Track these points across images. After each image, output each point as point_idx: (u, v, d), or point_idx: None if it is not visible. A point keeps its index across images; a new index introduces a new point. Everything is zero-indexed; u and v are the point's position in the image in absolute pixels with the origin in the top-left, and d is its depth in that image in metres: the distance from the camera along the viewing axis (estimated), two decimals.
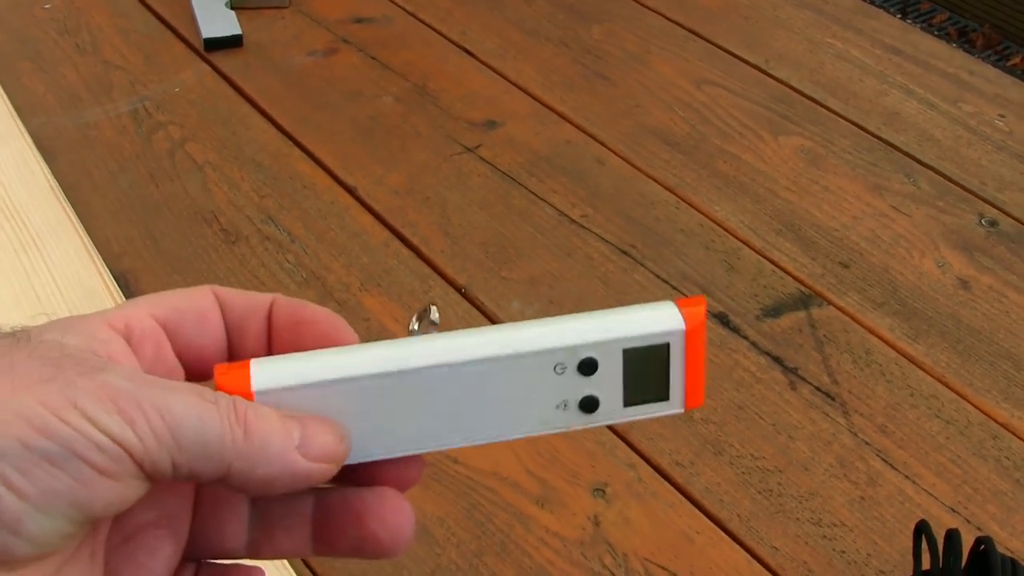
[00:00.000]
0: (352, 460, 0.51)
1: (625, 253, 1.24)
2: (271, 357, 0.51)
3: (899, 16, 3.50)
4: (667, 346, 0.53)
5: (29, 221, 1.25)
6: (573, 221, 1.29)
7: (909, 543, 0.85)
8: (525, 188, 1.34)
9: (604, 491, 1.00)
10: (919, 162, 1.40)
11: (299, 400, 0.49)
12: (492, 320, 1.15)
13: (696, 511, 0.99)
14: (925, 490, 1.01)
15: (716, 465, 1.02)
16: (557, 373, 0.52)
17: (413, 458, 0.53)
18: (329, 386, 0.50)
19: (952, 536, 0.82)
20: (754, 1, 1.74)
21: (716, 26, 1.67)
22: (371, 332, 1.12)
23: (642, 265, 1.23)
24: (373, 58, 1.58)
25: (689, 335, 0.53)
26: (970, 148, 1.43)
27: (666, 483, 1.01)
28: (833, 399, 1.09)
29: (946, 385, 1.11)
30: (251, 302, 0.53)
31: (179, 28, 1.64)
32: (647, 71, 1.57)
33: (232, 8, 1.66)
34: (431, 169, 1.37)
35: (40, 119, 1.44)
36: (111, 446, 0.43)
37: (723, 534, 0.97)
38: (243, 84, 1.52)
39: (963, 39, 3.52)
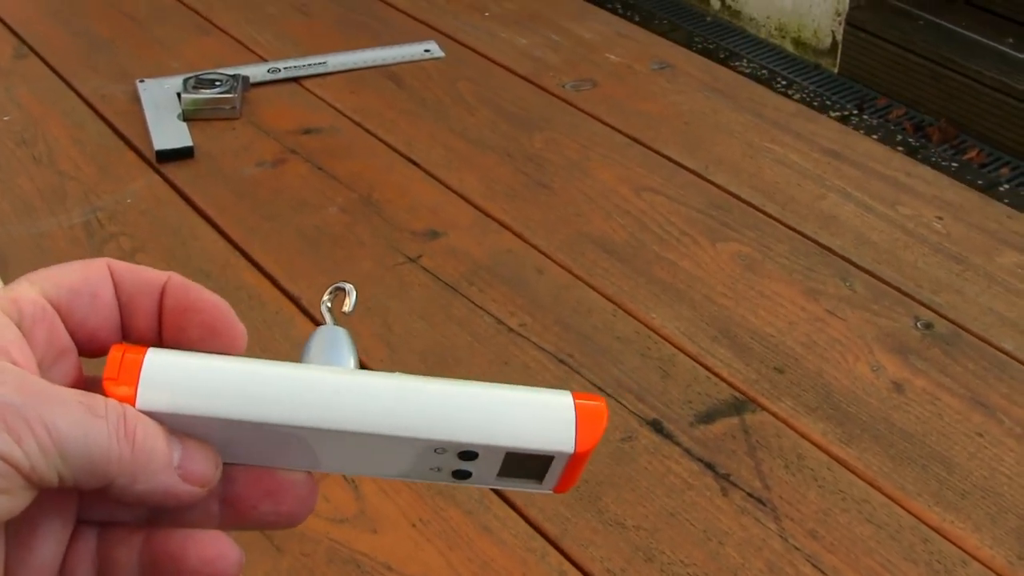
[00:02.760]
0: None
1: (562, 362, 1.26)
2: (163, 361, 0.51)
3: (856, 112, 3.55)
4: (551, 458, 0.52)
5: None
6: (511, 330, 1.31)
7: None
8: (465, 297, 1.35)
9: None
10: (855, 265, 1.43)
11: (180, 423, 0.50)
12: None
13: None
14: None
15: (647, 572, 1.03)
16: (437, 453, 0.52)
17: (288, 486, 0.54)
18: (213, 421, 0.50)
19: None
20: (694, 107, 1.77)
21: (656, 132, 1.70)
22: None
23: (578, 373, 1.25)
24: (320, 168, 1.60)
25: (576, 457, 0.52)
26: (907, 250, 1.46)
27: None
28: (764, 504, 1.10)
29: (878, 489, 1.13)
30: (145, 278, 0.53)
31: (133, 139, 1.66)
32: (587, 179, 1.59)
33: (184, 120, 1.68)
34: (374, 279, 1.38)
35: None
36: None
37: None
38: (193, 195, 1.54)
39: (919, 133, 3.56)
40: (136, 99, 1.75)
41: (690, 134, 1.70)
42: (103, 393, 0.49)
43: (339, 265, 1.41)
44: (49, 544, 0.50)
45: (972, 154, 3.45)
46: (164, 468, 0.49)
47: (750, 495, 1.11)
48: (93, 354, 0.53)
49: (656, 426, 1.19)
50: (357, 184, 1.57)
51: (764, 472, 1.14)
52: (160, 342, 0.54)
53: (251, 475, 0.53)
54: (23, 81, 1.81)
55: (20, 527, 0.49)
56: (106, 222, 1.48)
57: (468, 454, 0.52)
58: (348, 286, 0.58)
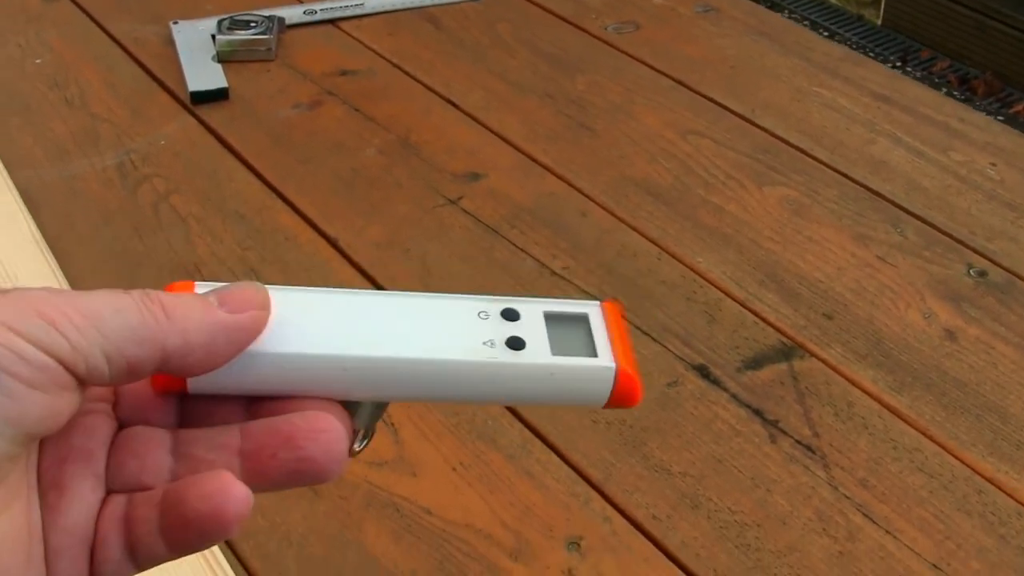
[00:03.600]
0: (271, 349, 0.51)
1: None
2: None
3: (899, 64, 3.51)
4: (586, 315, 0.55)
5: (12, 273, 1.25)
6: (554, 273, 1.28)
7: None
8: (507, 240, 1.33)
9: (579, 544, 0.99)
10: (906, 211, 1.39)
11: None
12: None
13: (672, 565, 0.97)
14: (906, 545, 0.99)
15: (693, 519, 1.01)
16: (481, 319, 0.53)
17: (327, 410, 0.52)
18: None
19: None
20: (740, 51, 1.74)
21: (702, 75, 1.67)
22: None
23: (623, 317, 1.22)
24: (357, 110, 1.57)
25: (607, 308, 0.56)
26: (959, 197, 1.42)
27: (642, 537, 1.00)
28: (813, 452, 1.07)
29: (930, 438, 1.10)
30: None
31: (166, 81, 1.64)
32: (631, 121, 1.56)
33: (219, 62, 1.66)
34: (412, 221, 1.36)
35: (27, 172, 1.44)
36: (37, 356, 0.43)
37: None
38: (228, 137, 1.52)
39: (964, 87, 3.51)
40: (169, 41, 1.73)
41: (736, 78, 1.67)
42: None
43: (376, 207, 1.38)
44: (80, 507, 0.49)
45: (1019, 108, 3.41)
46: (208, 312, 0.48)
47: (799, 442, 1.08)
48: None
49: (703, 371, 1.16)
50: (395, 126, 1.54)
51: (813, 419, 1.11)
52: None
53: (268, 426, 0.51)
54: (54, 25, 1.79)
55: (49, 489, 0.48)
56: (140, 164, 1.46)
57: (510, 312, 0.54)
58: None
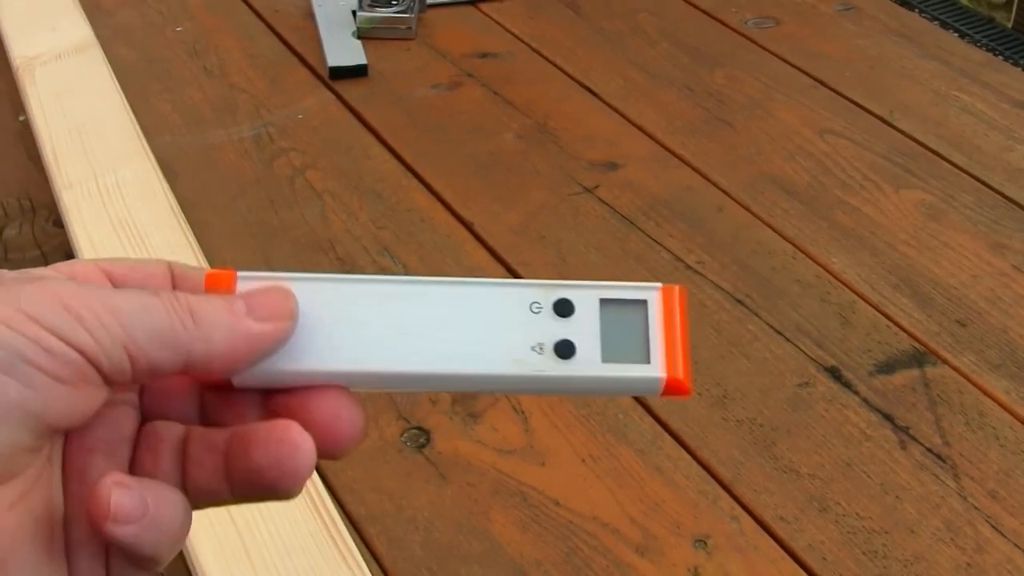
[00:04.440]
0: (302, 367, 0.50)
1: (740, 302, 1.23)
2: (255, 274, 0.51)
3: None
4: (644, 303, 0.53)
5: (149, 240, 1.27)
6: (689, 267, 1.28)
7: None
8: (642, 232, 1.33)
9: (706, 543, 0.99)
10: None
11: None
12: None
13: (798, 568, 0.98)
14: None
15: (820, 522, 1.01)
16: (533, 312, 0.52)
17: (345, 403, 0.51)
18: (302, 283, 0.51)
19: None
20: (880, 51, 1.73)
21: (840, 74, 1.66)
22: None
23: (756, 314, 1.22)
24: (495, 93, 1.58)
25: (665, 294, 0.53)
26: None
27: (768, 537, 1.00)
28: (944, 461, 1.07)
29: None
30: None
31: (305, 55, 1.66)
32: (769, 118, 1.56)
33: (359, 38, 1.67)
34: (548, 208, 1.36)
35: (165, 139, 1.46)
36: (62, 349, 0.43)
37: None
38: (366, 114, 1.53)
39: None
40: (310, 15, 1.74)
41: (874, 78, 1.66)
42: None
43: (513, 193, 1.39)
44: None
45: None
46: (235, 320, 0.48)
47: (929, 450, 1.08)
48: None
49: (834, 373, 1.16)
50: (533, 111, 1.55)
51: (944, 428, 1.10)
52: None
53: (242, 431, 0.49)
54: None
55: (72, 480, 0.48)
56: (276, 137, 1.48)
57: (563, 304, 0.52)
58: None
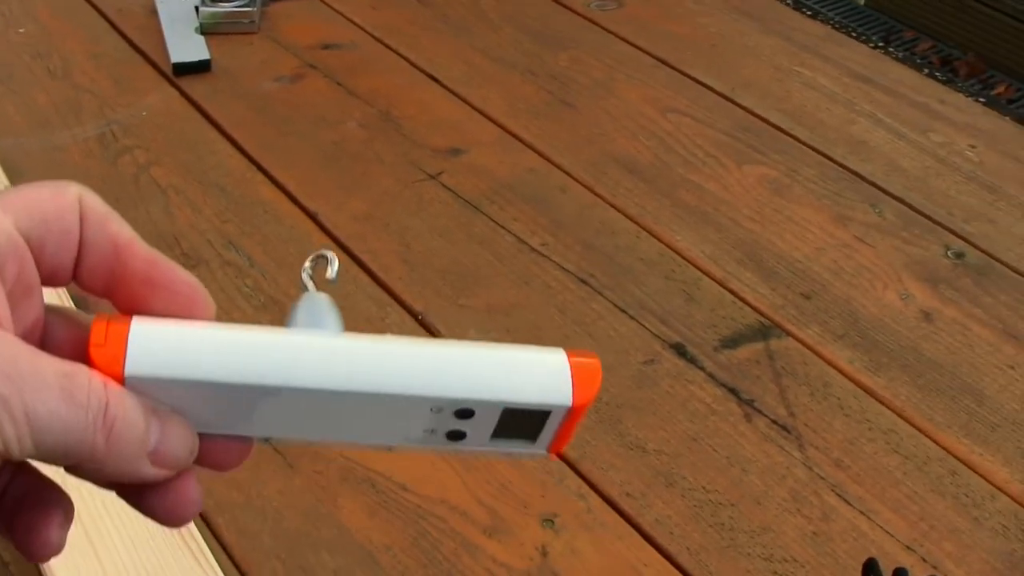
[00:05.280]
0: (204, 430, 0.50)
1: (584, 282, 1.24)
2: (148, 327, 0.48)
3: (881, 45, 3.50)
4: (548, 412, 0.51)
5: None
6: (533, 249, 1.28)
7: None
8: (486, 216, 1.33)
9: (553, 521, 0.99)
10: (885, 192, 1.40)
11: (167, 391, 0.48)
12: None
13: (645, 543, 0.98)
14: (880, 526, 1.00)
15: (667, 497, 1.01)
16: (433, 412, 0.50)
17: (237, 444, 0.51)
18: (201, 386, 0.48)
19: (900, 574, 0.81)
20: (722, 29, 1.74)
21: (683, 54, 1.67)
22: None
23: (600, 294, 1.22)
24: (339, 84, 1.57)
25: (573, 412, 0.51)
26: (939, 178, 1.43)
27: (616, 514, 1.00)
28: (789, 432, 1.08)
29: (905, 419, 1.10)
30: (110, 231, 0.50)
31: (150, 53, 1.63)
32: (612, 99, 1.56)
33: (202, 33, 1.66)
34: (393, 196, 1.36)
35: (9, 141, 1.43)
36: None
37: (672, 567, 0.96)
38: (210, 109, 1.51)
39: (947, 68, 3.51)
40: (153, 12, 1.72)
41: (717, 56, 1.67)
42: (88, 360, 0.47)
43: (357, 182, 1.38)
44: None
45: (1000, 89, 3.41)
46: (136, 456, 0.47)
47: (774, 422, 1.09)
48: (52, 285, 0.51)
49: (679, 349, 1.16)
50: (377, 100, 1.54)
51: (789, 399, 1.11)
52: (111, 299, 0.51)
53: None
54: None
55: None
56: (121, 135, 1.45)
57: (465, 411, 0.50)
58: (330, 254, 0.55)
